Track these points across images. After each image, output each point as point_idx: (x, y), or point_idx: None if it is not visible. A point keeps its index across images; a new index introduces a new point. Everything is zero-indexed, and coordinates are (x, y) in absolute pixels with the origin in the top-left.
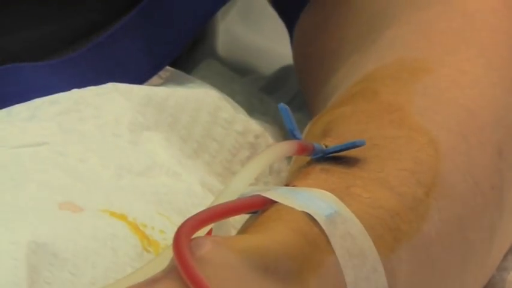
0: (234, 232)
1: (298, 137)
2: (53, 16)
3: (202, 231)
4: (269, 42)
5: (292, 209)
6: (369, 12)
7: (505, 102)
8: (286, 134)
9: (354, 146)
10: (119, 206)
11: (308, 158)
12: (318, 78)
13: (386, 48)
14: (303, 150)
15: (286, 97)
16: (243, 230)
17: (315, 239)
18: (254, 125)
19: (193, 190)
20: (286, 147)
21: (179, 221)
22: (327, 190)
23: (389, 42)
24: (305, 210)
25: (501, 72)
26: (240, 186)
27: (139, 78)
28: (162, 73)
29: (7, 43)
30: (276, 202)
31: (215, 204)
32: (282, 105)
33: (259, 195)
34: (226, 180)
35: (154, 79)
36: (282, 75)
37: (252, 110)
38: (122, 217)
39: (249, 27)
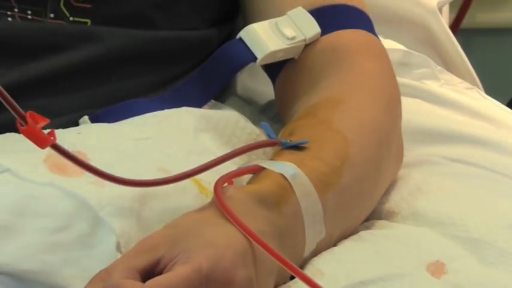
0: (244, 183)
1: (273, 137)
2: (152, 72)
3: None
4: (264, 87)
5: (273, 171)
6: (313, 74)
7: (381, 117)
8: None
9: (302, 143)
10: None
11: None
12: (287, 106)
13: (322, 91)
14: (275, 144)
15: (271, 115)
16: (248, 182)
17: (285, 186)
18: (256, 129)
19: (225, 163)
20: (268, 142)
21: (217, 177)
22: (291, 162)
23: (323, 88)
24: (280, 172)
25: (379, 103)
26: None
27: (197, 105)
28: (208, 103)
29: (128, 87)
30: (265, 168)
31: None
32: (263, 122)
33: (257, 164)
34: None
35: (205, 106)
36: (270, 104)
37: (253, 122)
38: None
39: (254, 79)
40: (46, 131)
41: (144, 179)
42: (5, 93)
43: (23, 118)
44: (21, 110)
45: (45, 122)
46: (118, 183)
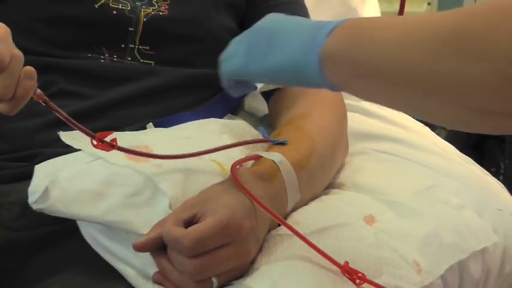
0: (249, 166)
1: (267, 137)
2: (191, 95)
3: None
4: (262, 106)
5: (267, 158)
6: (291, 98)
7: (335, 125)
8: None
9: (285, 141)
10: (216, 157)
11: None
12: (276, 118)
13: (297, 109)
14: (268, 141)
15: (266, 123)
16: (252, 165)
17: (275, 168)
18: (256, 132)
19: (237, 154)
20: (263, 140)
21: (232, 162)
22: (279, 153)
23: (298, 107)
24: (272, 159)
25: (334, 116)
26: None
27: (220, 117)
28: (227, 116)
29: (176, 105)
30: (262, 156)
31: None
32: (260, 127)
33: (257, 154)
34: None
35: (225, 117)
36: (265, 116)
37: (255, 127)
38: (216, 161)
39: (255, 100)
40: (111, 137)
41: (178, 154)
42: (82, 127)
43: (94, 137)
44: (92, 133)
45: (109, 134)
46: (159, 158)
